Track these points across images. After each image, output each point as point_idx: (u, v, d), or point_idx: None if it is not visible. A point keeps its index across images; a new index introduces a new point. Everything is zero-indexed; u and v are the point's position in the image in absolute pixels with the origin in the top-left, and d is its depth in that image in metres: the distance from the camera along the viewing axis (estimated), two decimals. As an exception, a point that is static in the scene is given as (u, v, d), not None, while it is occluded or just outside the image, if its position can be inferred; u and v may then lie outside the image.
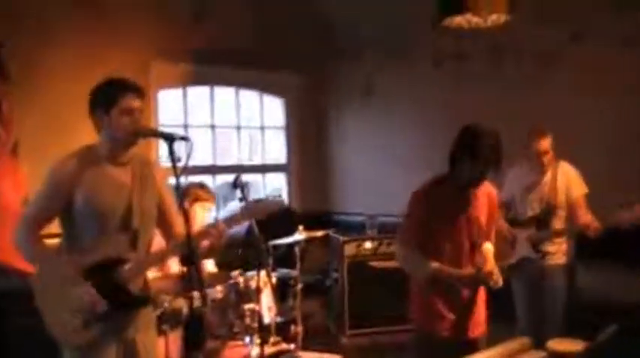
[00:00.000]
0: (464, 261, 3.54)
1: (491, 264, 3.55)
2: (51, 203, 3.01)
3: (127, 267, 3.05)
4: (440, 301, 3.52)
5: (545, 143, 4.82)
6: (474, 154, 3.34)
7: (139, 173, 3.15)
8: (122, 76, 3.14)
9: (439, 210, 3.49)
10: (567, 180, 4.83)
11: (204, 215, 4.69)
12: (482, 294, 3.65)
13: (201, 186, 4.83)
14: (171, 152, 2.92)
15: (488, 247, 3.66)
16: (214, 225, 3.15)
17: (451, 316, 3.53)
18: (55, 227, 3.11)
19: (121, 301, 3.05)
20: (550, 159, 4.86)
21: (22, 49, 5.35)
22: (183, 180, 2.99)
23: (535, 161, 4.87)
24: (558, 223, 4.86)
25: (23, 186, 4.97)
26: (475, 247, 3.58)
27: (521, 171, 5.00)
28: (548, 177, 4.89)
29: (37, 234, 3.03)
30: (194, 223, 4.50)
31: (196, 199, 4.64)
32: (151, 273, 4.38)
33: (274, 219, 3.50)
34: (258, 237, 4.07)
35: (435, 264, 3.43)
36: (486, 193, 3.64)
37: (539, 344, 3.50)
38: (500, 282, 3.47)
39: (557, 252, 4.86)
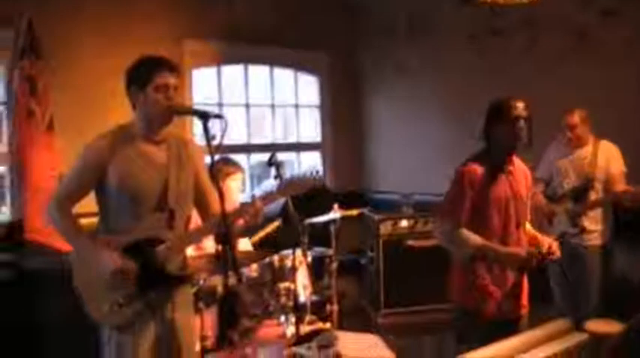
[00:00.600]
0: (511, 238, 3.51)
1: (547, 239, 3.54)
2: (83, 181, 3.03)
3: (164, 246, 3.05)
4: (485, 280, 3.49)
5: (574, 118, 4.82)
6: (504, 116, 3.43)
7: (176, 151, 3.14)
8: (155, 53, 3.13)
9: (485, 186, 3.47)
10: (608, 158, 4.79)
11: (237, 188, 4.69)
12: (524, 274, 3.60)
13: (226, 160, 4.80)
14: (206, 130, 2.90)
15: (529, 226, 3.64)
16: (251, 203, 3.13)
17: (496, 295, 3.49)
18: (92, 205, 3.12)
19: (158, 280, 3.06)
20: (577, 135, 4.81)
21: (54, 25, 5.37)
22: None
23: (565, 136, 4.85)
24: (595, 197, 4.80)
25: (58, 163, 5.01)
26: (520, 224, 3.54)
27: (558, 148, 4.96)
28: (588, 151, 4.86)
29: (70, 212, 3.04)
30: (230, 199, 4.48)
31: (227, 174, 4.62)
32: (188, 252, 4.41)
33: (309, 198, 3.47)
34: (293, 215, 4.04)
35: (481, 240, 3.39)
36: (523, 171, 3.66)
37: (575, 323, 3.45)
38: (555, 256, 3.44)
39: (595, 231, 4.80)
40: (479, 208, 3.47)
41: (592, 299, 4.76)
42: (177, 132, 3.26)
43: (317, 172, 3.24)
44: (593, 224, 4.81)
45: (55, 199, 3.05)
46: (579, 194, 4.84)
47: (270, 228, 4.64)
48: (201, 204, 3.28)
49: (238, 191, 4.67)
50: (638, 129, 5.30)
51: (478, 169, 3.49)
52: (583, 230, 4.79)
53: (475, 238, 3.41)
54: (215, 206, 3.20)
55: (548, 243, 3.48)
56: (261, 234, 4.64)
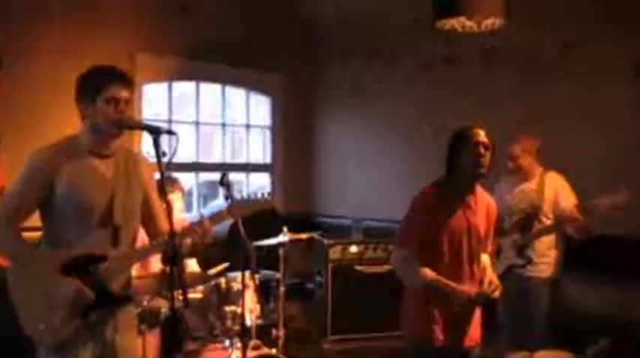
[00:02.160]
0: (463, 271, 3.46)
1: (490, 274, 3.50)
2: (28, 196, 2.89)
3: (106, 263, 2.92)
4: (436, 308, 3.43)
5: (515, 148, 4.82)
6: (465, 143, 3.41)
7: (123, 166, 3.04)
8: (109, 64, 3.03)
9: (440, 214, 3.43)
10: (556, 190, 4.79)
11: (177, 206, 4.60)
12: (475, 305, 3.56)
13: (167, 177, 4.71)
14: (157, 146, 2.81)
15: (485, 258, 3.61)
16: (199, 223, 3.05)
17: (447, 324, 3.44)
18: (36, 220, 2.99)
19: (99, 299, 2.93)
20: (523, 165, 4.85)
21: (9, 32, 5.28)
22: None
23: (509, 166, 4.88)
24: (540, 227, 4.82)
25: (2, 177, 4.83)
26: (474, 258, 3.50)
27: (509, 181, 4.98)
28: (534, 184, 4.86)
29: (16, 228, 2.91)
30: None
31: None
32: (132, 271, 4.28)
33: (258, 220, 3.40)
34: (243, 237, 3.96)
35: (431, 274, 3.36)
36: (485, 203, 3.61)
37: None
38: (497, 293, 3.42)
39: (542, 263, 4.80)
40: (431, 237, 3.43)
41: (538, 330, 4.75)
42: (126, 147, 3.15)
43: (268, 194, 3.20)
44: (540, 256, 4.81)
45: (1, 216, 2.92)
46: (525, 225, 4.84)
47: (222, 267, 4.57)
48: (149, 222, 3.18)
49: (178, 210, 4.58)
50: (595, 156, 5.34)
51: (433, 197, 3.46)
52: (530, 261, 4.79)
53: (425, 271, 3.37)
54: (163, 224, 3.11)
55: (489, 279, 3.46)
56: (215, 271, 4.56)
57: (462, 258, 3.46)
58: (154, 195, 3.17)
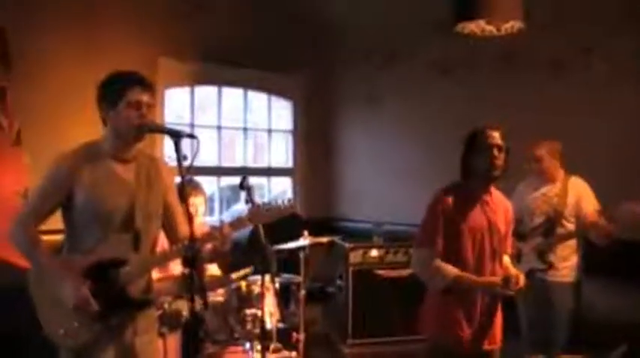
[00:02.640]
0: (486, 270, 3.44)
1: (514, 270, 3.48)
2: (49, 200, 2.93)
3: (127, 268, 2.95)
4: (457, 312, 3.42)
5: (539, 150, 4.78)
6: (479, 145, 3.41)
7: (145, 171, 3.06)
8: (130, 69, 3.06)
9: (459, 215, 3.42)
10: (578, 195, 4.75)
11: (200, 210, 4.63)
12: (498, 306, 3.55)
13: (188, 181, 4.73)
14: (178, 150, 2.83)
15: (506, 259, 3.59)
16: (220, 228, 3.06)
17: (468, 328, 3.42)
18: (56, 222, 3.02)
19: (120, 304, 2.96)
20: (548, 168, 4.81)
21: (28, 38, 5.28)
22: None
23: (532, 169, 4.84)
24: (563, 232, 4.78)
25: (24, 179, 4.89)
26: (496, 256, 3.48)
27: (529, 184, 4.94)
28: (556, 188, 4.82)
29: (35, 231, 2.94)
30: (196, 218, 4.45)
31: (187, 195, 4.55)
32: (153, 274, 4.31)
33: (279, 223, 3.41)
34: (263, 241, 3.97)
35: (454, 270, 3.34)
36: (502, 204, 3.60)
37: None
38: (522, 283, 3.39)
39: (564, 268, 4.76)
40: (452, 238, 3.41)
41: (560, 335, 4.72)
42: (147, 152, 3.18)
43: (289, 201, 3.19)
44: (561, 261, 4.78)
45: (20, 218, 2.96)
46: (547, 229, 4.81)
47: (244, 272, 4.59)
48: (169, 226, 3.20)
49: (200, 214, 4.61)
50: (614, 161, 5.30)
51: (452, 198, 3.45)
52: (551, 266, 4.76)
53: (450, 268, 3.35)
54: (183, 228, 3.14)
55: (513, 272, 3.44)
56: (237, 276, 4.59)
57: (484, 257, 3.44)
58: (175, 200, 3.18)
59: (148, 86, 2.98)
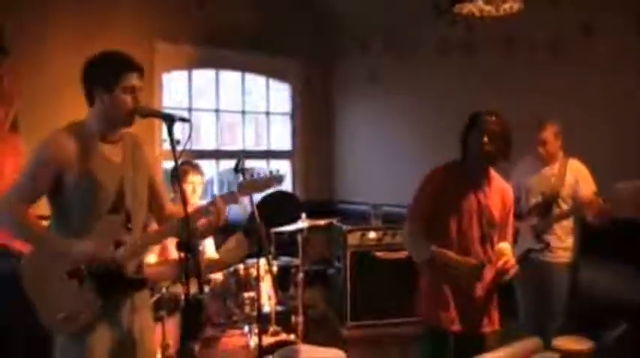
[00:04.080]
0: (473, 251, 3.44)
1: (508, 256, 3.43)
2: (38, 181, 2.87)
3: (121, 249, 2.95)
4: (449, 293, 3.43)
5: (545, 133, 4.76)
6: (473, 128, 3.43)
7: (130, 151, 3.05)
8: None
9: (451, 189, 3.44)
10: (576, 177, 4.74)
11: (198, 191, 4.67)
12: (493, 289, 3.54)
13: (186, 162, 4.76)
14: (171, 133, 2.82)
15: (505, 246, 3.56)
16: (212, 203, 3.07)
17: (460, 309, 3.43)
18: (42, 209, 2.99)
19: (116, 284, 2.96)
20: (549, 150, 4.78)
21: (23, 24, 5.28)
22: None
23: (537, 152, 4.81)
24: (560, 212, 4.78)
25: (22, 163, 4.89)
26: (486, 240, 3.48)
27: (528, 163, 4.93)
28: (555, 169, 4.81)
29: (27, 211, 2.89)
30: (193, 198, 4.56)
31: (185, 173, 4.57)
32: (151, 258, 4.33)
33: (278, 206, 3.42)
34: (259, 223, 3.98)
35: (435, 247, 3.35)
36: (500, 189, 3.58)
37: (542, 339, 3.42)
38: (512, 272, 3.38)
39: (560, 248, 4.76)
40: (438, 216, 3.44)
41: (558, 316, 4.73)
42: (130, 132, 3.13)
43: (277, 171, 3.22)
44: (558, 241, 4.78)
45: (6, 200, 2.89)
46: (544, 209, 4.80)
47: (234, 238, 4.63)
48: (156, 205, 3.20)
49: (197, 195, 4.64)
50: (612, 143, 5.28)
51: (443, 176, 3.48)
52: (547, 246, 4.76)
53: (428, 243, 3.37)
54: (169, 207, 3.17)
55: (504, 259, 3.39)
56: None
57: (471, 238, 3.44)
58: (160, 179, 3.20)
59: (141, 70, 2.96)
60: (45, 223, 3.01)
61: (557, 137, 4.80)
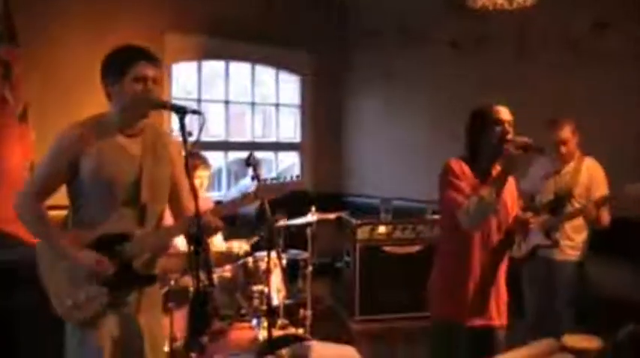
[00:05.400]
0: (491, 240, 3.39)
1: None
2: (55, 173, 2.89)
3: (131, 242, 2.93)
4: (461, 286, 3.38)
5: (563, 133, 4.69)
6: (486, 121, 3.34)
7: (151, 145, 3.02)
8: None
9: (470, 183, 3.34)
10: (591, 177, 4.70)
11: (205, 184, 4.68)
12: (503, 283, 3.51)
13: (194, 154, 4.74)
14: (182, 125, 2.79)
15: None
16: (226, 206, 3.05)
17: (473, 303, 3.38)
18: (61, 198, 2.99)
19: (125, 278, 2.94)
20: (569, 149, 4.73)
21: (33, 14, 5.27)
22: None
23: (554, 150, 4.74)
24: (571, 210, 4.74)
25: (31, 152, 4.88)
26: (502, 229, 3.43)
27: (544, 161, 4.88)
28: (570, 167, 4.76)
29: (40, 206, 2.91)
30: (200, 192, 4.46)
31: (196, 168, 4.56)
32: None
33: (286, 199, 3.38)
34: (269, 216, 3.95)
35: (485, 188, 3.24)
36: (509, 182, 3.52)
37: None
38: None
39: (568, 246, 4.73)
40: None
41: (564, 313, 4.70)
42: (154, 125, 3.13)
43: (297, 177, 3.15)
44: (567, 239, 4.74)
45: (25, 192, 2.92)
46: (556, 207, 4.77)
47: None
48: (175, 201, 3.17)
49: (202, 187, 4.63)
50: (625, 140, 5.24)
51: (461, 167, 3.37)
52: (556, 243, 4.72)
53: (481, 189, 3.24)
54: (187, 204, 3.11)
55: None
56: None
57: (490, 230, 3.39)
58: (182, 174, 3.13)
59: (153, 60, 2.92)
60: (56, 213, 3.00)
61: (574, 134, 4.74)
